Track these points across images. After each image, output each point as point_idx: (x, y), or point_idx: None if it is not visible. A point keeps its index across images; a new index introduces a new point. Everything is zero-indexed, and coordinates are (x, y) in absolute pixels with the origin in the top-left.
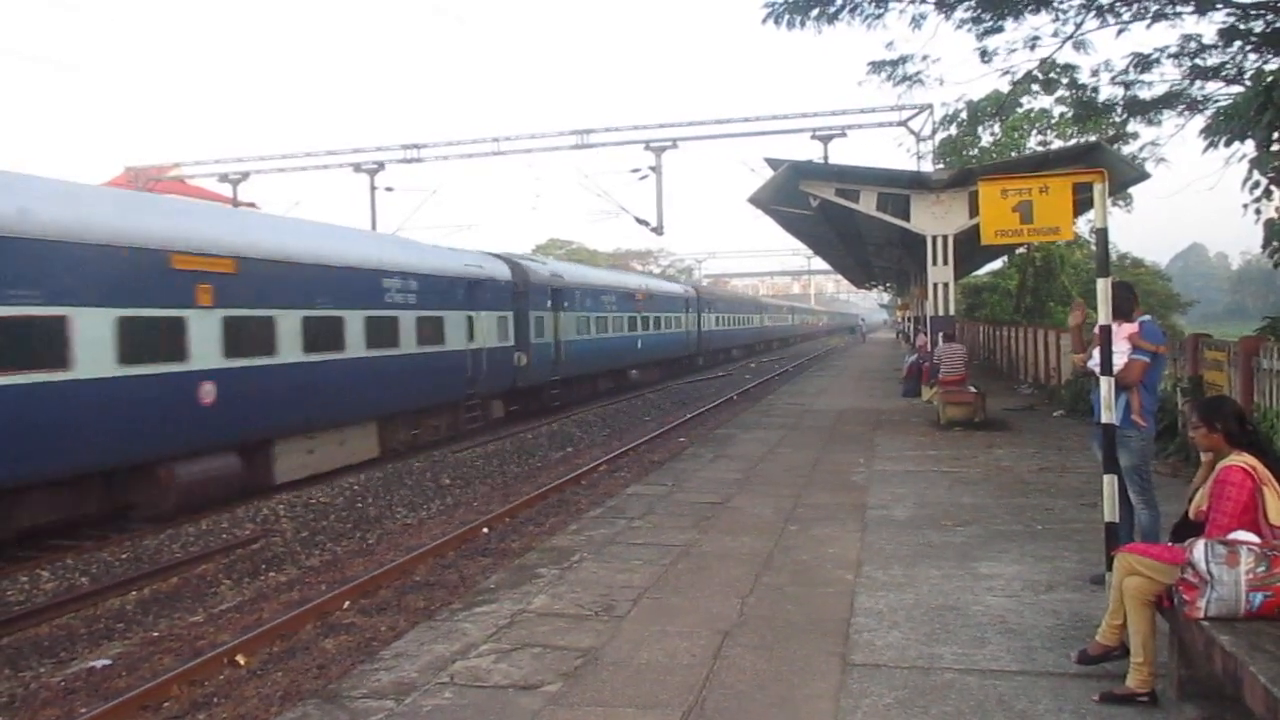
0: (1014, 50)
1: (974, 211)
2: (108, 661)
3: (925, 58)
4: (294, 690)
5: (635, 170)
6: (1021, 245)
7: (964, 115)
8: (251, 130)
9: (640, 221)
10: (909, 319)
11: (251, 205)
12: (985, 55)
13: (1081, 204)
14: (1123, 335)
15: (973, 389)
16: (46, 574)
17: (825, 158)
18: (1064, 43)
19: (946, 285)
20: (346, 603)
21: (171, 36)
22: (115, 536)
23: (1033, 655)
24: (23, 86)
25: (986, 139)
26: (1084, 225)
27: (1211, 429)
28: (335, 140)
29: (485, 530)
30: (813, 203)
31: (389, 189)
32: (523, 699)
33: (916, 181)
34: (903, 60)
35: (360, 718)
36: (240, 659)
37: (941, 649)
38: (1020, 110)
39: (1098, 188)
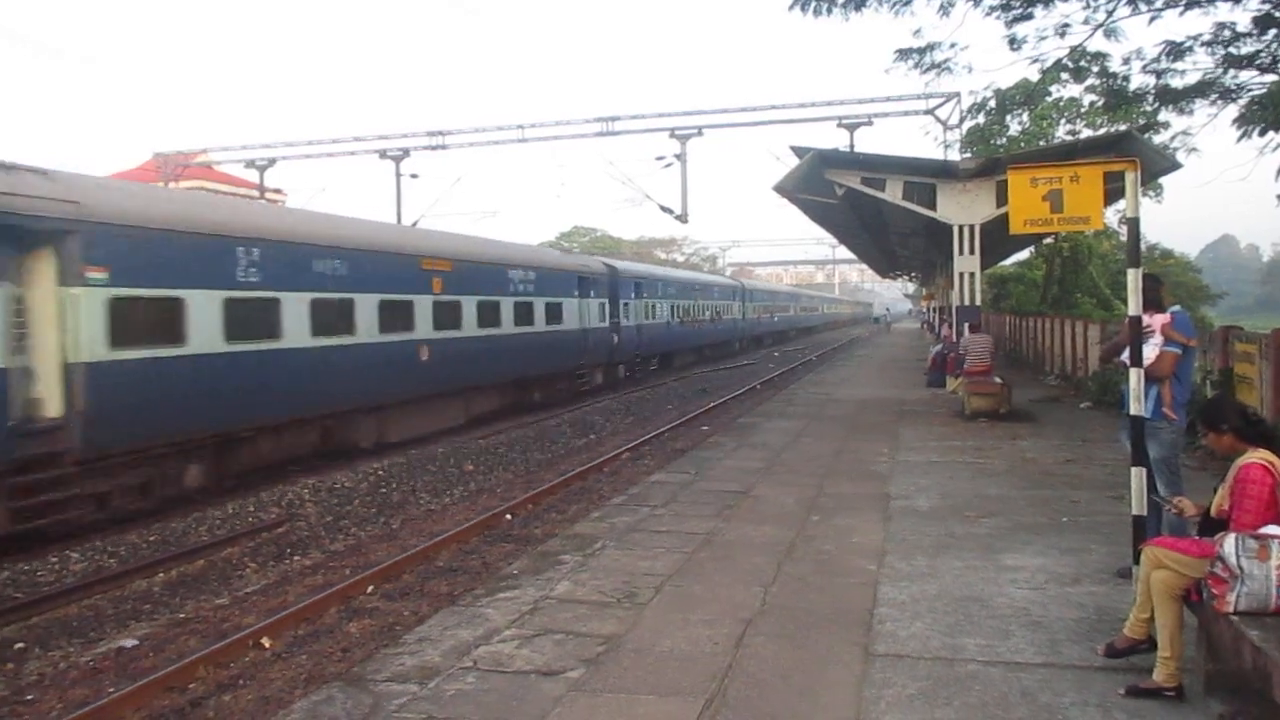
0: (1044, 38)
1: (1001, 201)
2: (135, 642)
3: (953, 45)
4: (318, 673)
5: (660, 158)
6: (1049, 235)
7: (992, 104)
8: (278, 117)
9: (665, 209)
10: (934, 309)
11: (278, 191)
12: (1014, 43)
13: (1111, 194)
14: (1155, 325)
15: (998, 380)
16: (75, 555)
17: (851, 146)
18: (1095, 30)
19: (972, 275)
20: (370, 587)
21: (196, 24)
22: (142, 519)
23: (1057, 648)
24: (46, 76)
25: (1015, 128)
26: (1112, 216)
27: (1219, 432)
28: (361, 127)
29: (508, 516)
30: (838, 191)
31: (414, 176)
32: (545, 684)
33: (943, 170)
34: (930, 48)
35: (384, 701)
36: (265, 641)
37: (965, 640)
38: (1049, 99)
39: (1130, 176)
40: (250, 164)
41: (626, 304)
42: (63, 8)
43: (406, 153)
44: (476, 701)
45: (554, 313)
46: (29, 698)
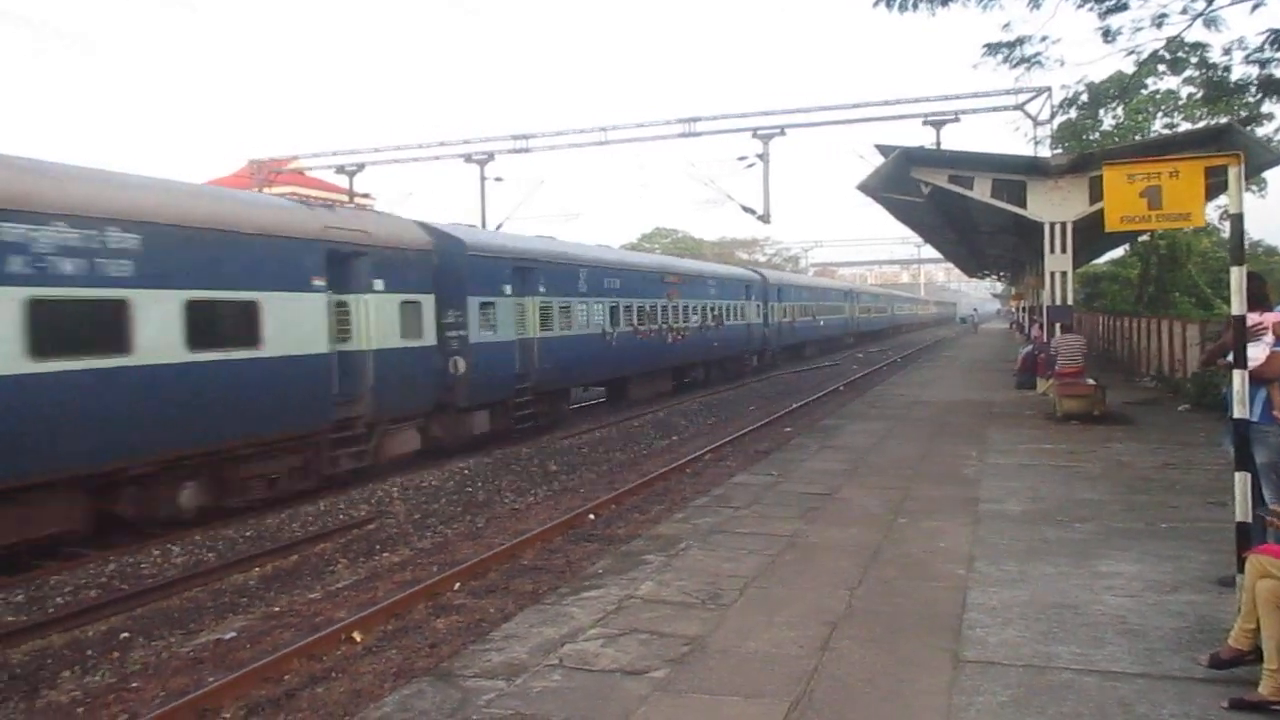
0: (1139, 29)
1: (1094, 197)
2: (233, 634)
3: (1044, 38)
4: (407, 668)
5: (742, 158)
6: (1145, 233)
7: (1084, 98)
8: (366, 123)
9: (746, 210)
10: (1023, 309)
11: (366, 196)
12: (1108, 34)
13: (1211, 189)
14: (1267, 324)
15: (1091, 381)
16: (176, 549)
17: (937, 143)
18: (1194, 20)
19: (1064, 274)
20: (457, 584)
21: (291, 35)
22: (240, 515)
23: (1155, 658)
24: (146, 84)
25: (1108, 122)
26: (1212, 212)
27: None
28: (447, 131)
29: (591, 517)
30: (924, 190)
31: (498, 179)
32: (630, 684)
33: (1033, 167)
34: (1020, 42)
35: (472, 696)
36: (356, 636)
37: (1058, 648)
38: (1145, 92)
39: (1233, 171)
40: (340, 169)
41: (773, 305)
42: (171, 21)
43: (491, 156)
44: (563, 699)
45: (728, 313)
46: (134, 685)
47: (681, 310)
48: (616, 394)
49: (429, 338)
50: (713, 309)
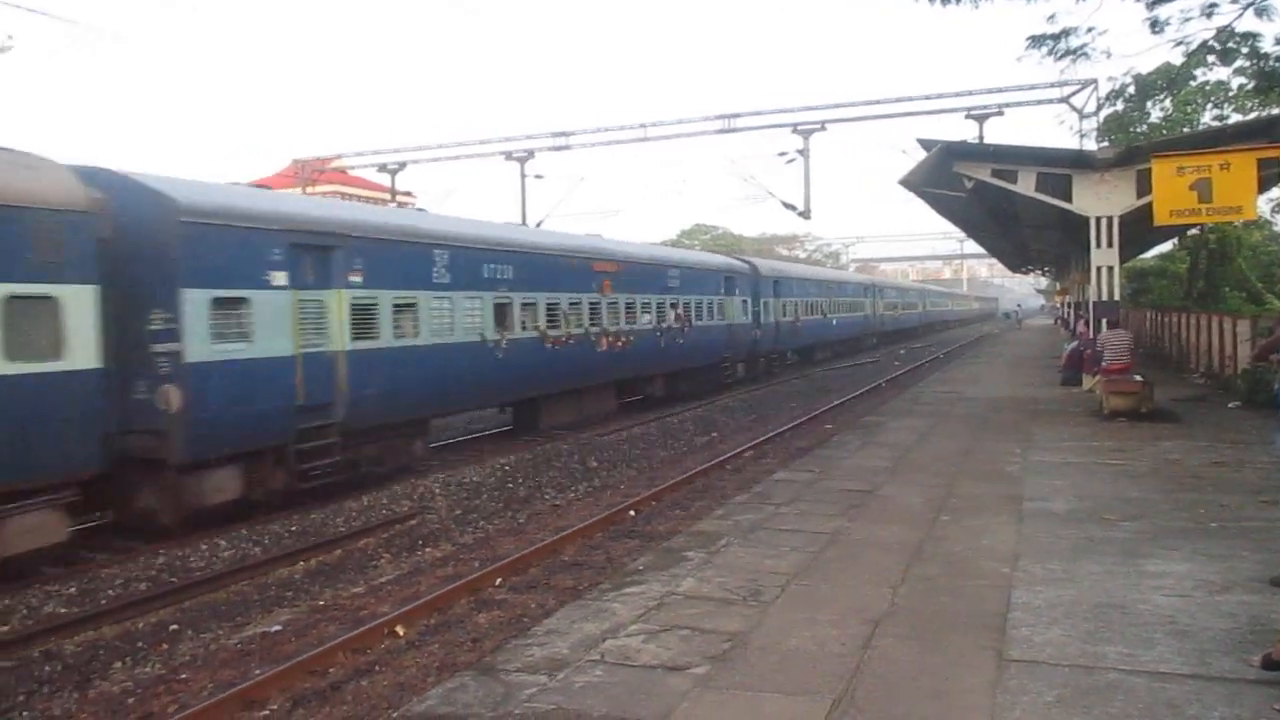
0: (1188, 19)
1: (1142, 191)
2: (278, 627)
3: (1090, 30)
4: (450, 661)
5: (782, 154)
6: (1195, 226)
7: (1131, 90)
8: (408, 122)
9: (787, 206)
10: (1068, 304)
11: (408, 194)
12: (1156, 25)
13: (1264, 181)
14: None
15: (1138, 378)
16: (224, 543)
17: (980, 138)
18: (1245, 9)
19: (1111, 269)
20: (498, 579)
21: (332, 32)
22: (284, 510)
23: (1206, 659)
24: (197, 87)
25: (1156, 115)
26: (1264, 204)
27: None
28: (487, 130)
29: (632, 513)
30: (967, 184)
31: (538, 176)
32: (671, 679)
33: (1079, 160)
34: (1065, 33)
35: (515, 691)
36: (399, 629)
37: (1105, 648)
38: (1194, 83)
39: None
40: (382, 168)
41: (767, 302)
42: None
43: (531, 154)
44: (605, 694)
45: (706, 309)
46: (183, 676)
47: (623, 308)
48: (526, 419)
49: (82, 357)
50: (675, 306)
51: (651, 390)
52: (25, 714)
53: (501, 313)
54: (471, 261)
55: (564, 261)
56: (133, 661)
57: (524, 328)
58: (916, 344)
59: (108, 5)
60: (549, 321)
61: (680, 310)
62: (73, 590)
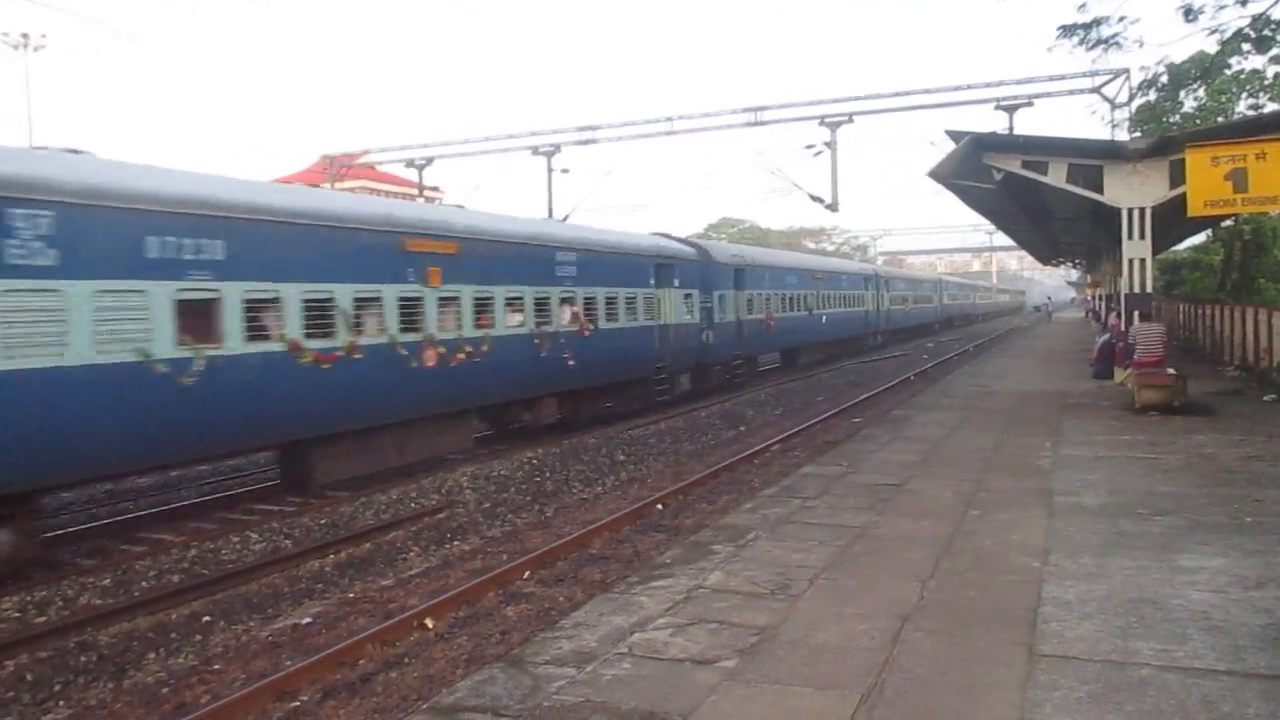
0: (1223, 6)
1: (1176, 181)
2: (309, 619)
3: (1122, 19)
4: (479, 654)
5: (810, 146)
6: (1229, 217)
7: (1164, 79)
8: (435, 117)
9: (814, 198)
10: (1099, 297)
11: (435, 189)
12: (1190, 13)
13: None
14: None
15: (1171, 371)
16: (255, 535)
17: (1010, 129)
18: None
19: (1143, 261)
20: (526, 573)
21: (363, 30)
22: (314, 502)
23: (1241, 655)
24: (229, 85)
25: (1190, 104)
26: None
27: None
28: (514, 124)
29: (659, 507)
30: (996, 176)
31: (565, 170)
32: (699, 673)
33: (1111, 151)
34: (1097, 22)
35: (544, 683)
36: (428, 622)
37: (1138, 644)
38: (1228, 72)
39: None
40: (410, 163)
41: (722, 296)
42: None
43: (557, 148)
44: (633, 687)
45: (624, 308)
46: (216, 667)
47: (469, 307)
48: (297, 468)
49: None
50: (570, 301)
51: (535, 417)
52: (62, 704)
53: (197, 318)
54: (129, 233)
55: (342, 237)
56: (166, 652)
57: (249, 338)
58: (945, 337)
59: (146, 5)
60: (308, 328)
61: (578, 308)
62: (107, 582)
